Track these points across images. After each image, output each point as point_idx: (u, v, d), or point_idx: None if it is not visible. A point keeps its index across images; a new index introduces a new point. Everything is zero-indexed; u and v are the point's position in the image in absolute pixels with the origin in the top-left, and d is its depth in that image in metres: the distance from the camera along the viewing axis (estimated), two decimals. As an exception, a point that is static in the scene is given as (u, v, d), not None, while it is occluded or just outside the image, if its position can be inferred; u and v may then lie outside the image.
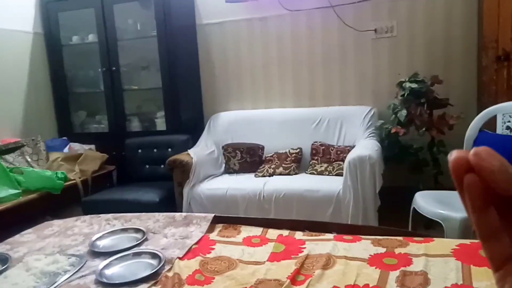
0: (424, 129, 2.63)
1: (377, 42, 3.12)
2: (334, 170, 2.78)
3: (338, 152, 2.88)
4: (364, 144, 2.66)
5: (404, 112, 2.66)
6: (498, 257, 0.24)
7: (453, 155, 0.24)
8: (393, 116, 2.77)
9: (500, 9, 2.51)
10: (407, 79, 2.75)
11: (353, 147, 2.78)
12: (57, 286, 1.19)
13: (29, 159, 2.86)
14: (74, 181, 2.85)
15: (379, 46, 3.12)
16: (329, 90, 3.29)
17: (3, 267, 1.30)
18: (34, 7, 3.36)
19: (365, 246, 1.37)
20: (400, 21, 3.05)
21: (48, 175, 2.65)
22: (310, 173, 2.86)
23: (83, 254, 1.40)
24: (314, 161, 2.94)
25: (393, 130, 2.70)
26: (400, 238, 1.41)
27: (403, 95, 2.72)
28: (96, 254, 1.41)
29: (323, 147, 2.95)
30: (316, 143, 3.00)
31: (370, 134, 2.88)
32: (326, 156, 2.91)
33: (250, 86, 3.49)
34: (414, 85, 2.67)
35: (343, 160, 2.65)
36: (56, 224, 1.73)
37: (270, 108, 3.40)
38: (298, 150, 3.01)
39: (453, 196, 2.05)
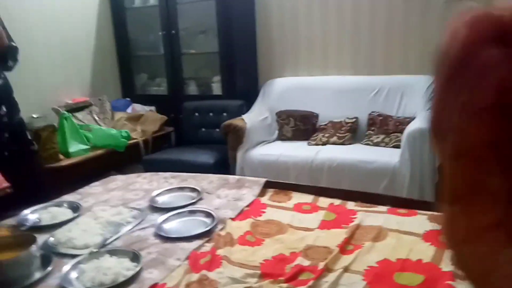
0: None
1: (449, 6, 2.86)
2: (392, 142, 2.68)
3: (397, 124, 2.76)
4: (426, 116, 2.52)
5: (473, 84, 2.47)
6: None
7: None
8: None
9: None
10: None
11: (413, 119, 2.65)
12: (120, 235, 1.29)
13: (96, 118, 3.07)
14: (136, 140, 3.03)
15: (451, 11, 2.86)
16: (390, 57, 3.11)
17: (75, 215, 1.44)
18: (100, -29, 3.48)
19: (420, 221, 1.32)
20: (478, -18, 2.76)
21: (113, 133, 2.83)
22: (365, 144, 2.79)
23: (143, 208, 1.50)
24: (370, 131, 2.85)
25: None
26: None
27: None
28: (155, 209, 1.50)
29: (381, 118, 2.84)
30: (373, 113, 2.89)
31: (433, 106, 2.72)
32: (384, 127, 2.81)
33: (307, 53, 3.40)
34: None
35: (401, 132, 2.54)
36: (120, 179, 1.86)
37: (327, 76, 3.30)
38: (354, 119, 2.93)
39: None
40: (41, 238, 1.26)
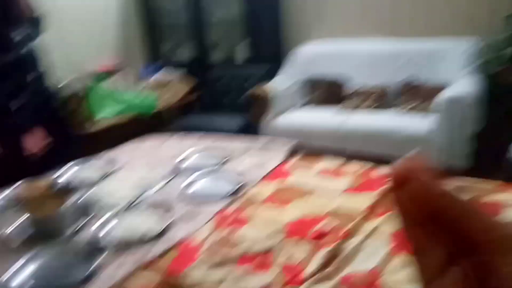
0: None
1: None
2: (424, 110, 2.58)
3: (430, 90, 2.64)
4: (461, 83, 2.40)
5: (516, 47, 2.31)
6: (428, 271, 0.23)
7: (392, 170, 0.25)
8: (502, 51, 2.42)
9: None
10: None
11: (447, 85, 2.53)
12: (149, 194, 1.32)
13: (124, 84, 3.10)
14: (162, 106, 3.05)
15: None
16: (425, 19, 2.93)
17: (106, 174, 1.49)
18: None
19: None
20: None
21: (141, 99, 2.87)
22: (396, 111, 2.70)
23: (172, 169, 1.52)
24: (401, 98, 2.75)
25: (499, 68, 2.38)
26: (491, 185, 1.29)
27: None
28: (183, 170, 1.52)
29: (413, 84, 2.73)
30: (405, 80, 2.77)
31: (469, 72, 2.58)
32: (416, 94, 2.70)
33: (337, 15, 3.24)
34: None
35: (434, 99, 2.44)
36: (151, 141, 1.90)
37: (354, 41, 3.16)
38: (385, 86, 2.82)
39: None
40: (73, 197, 1.31)
